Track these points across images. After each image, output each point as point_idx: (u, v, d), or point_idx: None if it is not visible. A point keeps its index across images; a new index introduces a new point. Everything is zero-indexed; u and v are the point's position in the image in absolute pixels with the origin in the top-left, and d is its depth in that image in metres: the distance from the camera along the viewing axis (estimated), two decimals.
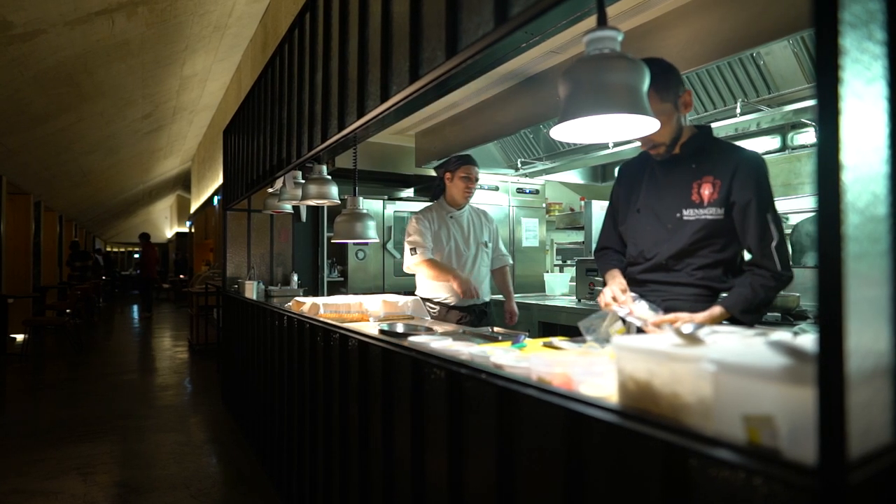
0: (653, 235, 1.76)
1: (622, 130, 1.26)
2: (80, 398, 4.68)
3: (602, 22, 1.12)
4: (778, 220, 1.60)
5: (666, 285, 1.75)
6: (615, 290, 1.72)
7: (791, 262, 1.62)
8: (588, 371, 0.95)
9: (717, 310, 1.61)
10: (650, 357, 0.78)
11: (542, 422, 0.89)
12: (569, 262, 5.69)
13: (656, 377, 0.77)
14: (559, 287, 4.36)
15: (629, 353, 0.81)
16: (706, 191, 1.65)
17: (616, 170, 2.03)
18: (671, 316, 1.59)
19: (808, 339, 0.67)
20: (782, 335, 0.84)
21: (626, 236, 1.88)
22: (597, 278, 3.49)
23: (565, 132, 1.23)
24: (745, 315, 1.59)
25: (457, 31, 1.22)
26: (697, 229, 1.66)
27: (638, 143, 3.60)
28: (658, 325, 1.55)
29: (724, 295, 1.67)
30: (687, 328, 0.89)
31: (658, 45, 2.51)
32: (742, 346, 0.79)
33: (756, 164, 1.63)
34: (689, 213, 1.68)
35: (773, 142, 3.42)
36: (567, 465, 0.84)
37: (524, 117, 3.55)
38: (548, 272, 5.73)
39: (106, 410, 4.26)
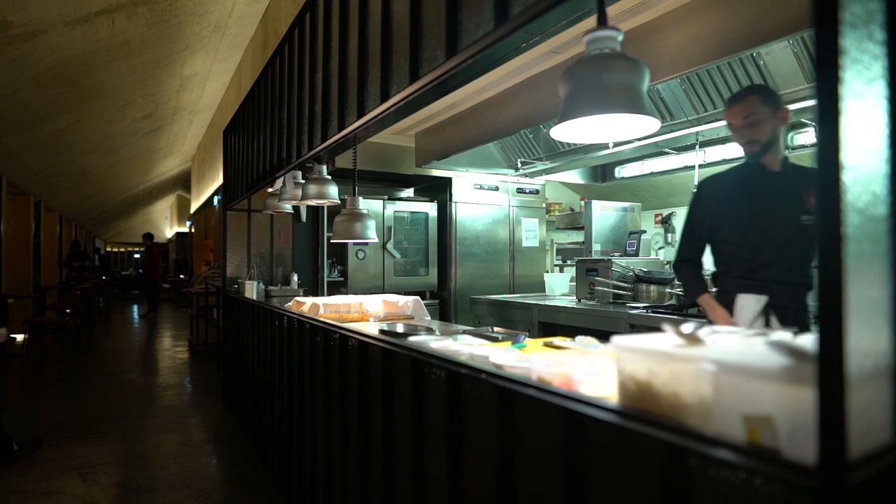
0: (779, 239, 1.96)
1: (622, 130, 1.26)
2: (80, 398, 4.68)
3: (602, 22, 1.12)
4: None
5: (793, 285, 1.96)
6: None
7: None
8: (588, 371, 0.95)
9: None
10: (650, 357, 0.78)
11: (542, 422, 0.89)
12: (569, 262, 5.69)
13: (656, 377, 0.77)
14: (559, 287, 4.36)
15: (629, 353, 0.81)
16: (814, 200, 1.92)
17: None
18: None
19: (808, 339, 0.67)
20: (782, 335, 0.84)
21: (739, 242, 2.04)
22: (597, 278, 3.49)
23: (565, 132, 1.23)
24: None
25: (457, 31, 1.22)
26: (815, 233, 1.91)
27: (637, 144, 3.62)
28: None
29: None
30: (687, 328, 0.89)
31: (658, 45, 2.51)
32: (742, 346, 0.79)
33: None
34: (807, 218, 1.90)
35: None
36: (567, 464, 0.84)
37: (524, 117, 3.55)
38: (548, 272, 5.73)
39: (106, 410, 4.26)
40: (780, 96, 2.01)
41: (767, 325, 1.96)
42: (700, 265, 2.17)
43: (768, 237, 1.99)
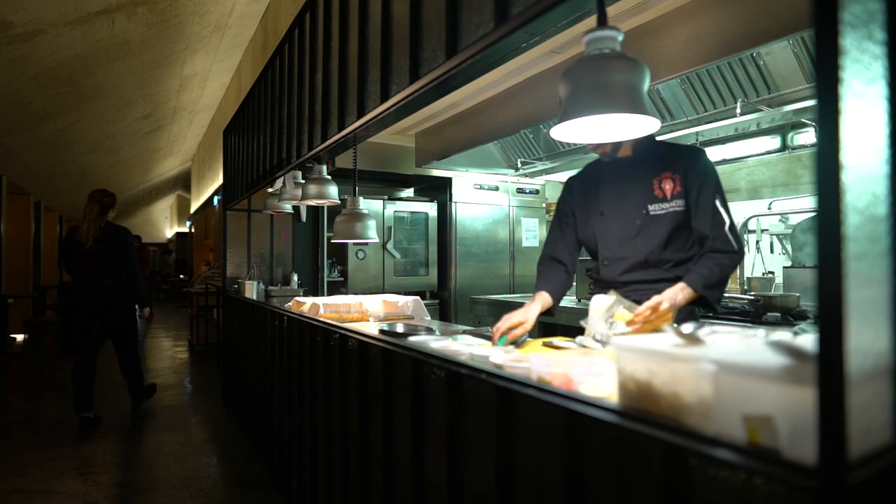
0: (621, 234, 1.79)
1: (622, 130, 1.26)
2: None
3: (602, 22, 1.12)
4: (727, 206, 1.69)
5: (647, 283, 1.77)
6: (511, 320, 1.67)
7: (743, 241, 1.67)
8: (588, 371, 0.95)
9: (685, 288, 1.61)
10: (650, 357, 0.78)
11: (542, 422, 0.89)
12: None
13: (657, 377, 0.77)
14: None
15: (630, 354, 0.81)
16: (667, 185, 1.71)
17: (564, 183, 2.03)
18: (644, 307, 1.54)
19: (808, 340, 0.67)
20: (783, 335, 0.84)
21: (590, 242, 1.90)
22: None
23: (565, 132, 1.23)
24: (707, 290, 1.61)
25: (457, 31, 1.22)
26: (668, 222, 1.71)
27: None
28: (637, 321, 1.53)
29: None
30: (687, 328, 0.89)
31: (658, 45, 2.51)
32: (742, 345, 0.79)
33: (703, 158, 1.72)
34: (654, 208, 1.73)
35: (773, 142, 3.42)
36: (567, 464, 0.84)
37: (524, 117, 3.55)
38: None
39: (106, 410, 4.26)
40: None
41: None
42: (565, 264, 1.92)
43: (609, 234, 1.80)
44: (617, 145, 1.75)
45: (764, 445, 0.62)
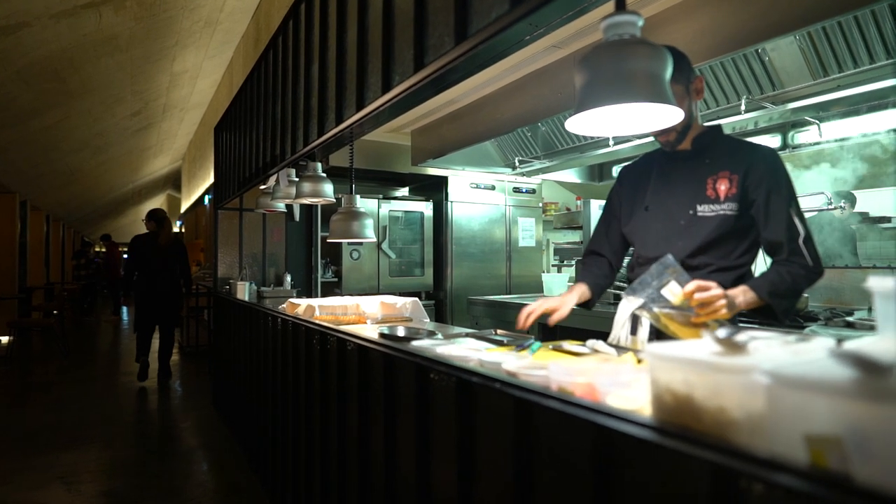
0: (663, 233, 1.66)
1: (642, 121, 1.19)
2: (67, 402, 4.55)
3: (620, 6, 1.05)
4: (801, 214, 1.51)
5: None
6: (547, 305, 1.65)
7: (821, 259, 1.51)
8: (614, 381, 0.87)
9: (748, 291, 1.46)
10: (689, 367, 0.71)
11: (566, 438, 0.81)
12: (566, 262, 5.62)
13: (697, 389, 0.69)
14: (557, 287, 4.29)
15: (665, 363, 0.74)
16: (722, 186, 1.56)
17: (614, 170, 1.98)
18: (705, 283, 1.41)
19: (873, 347, 0.60)
20: (828, 342, 0.76)
21: (632, 237, 1.79)
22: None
23: (582, 123, 1.16)
24: (774, 298, 1.45)
25: (467, 13, 1.14)
26: (715, 226, 1.57)
27: (636, 143, 3.55)
28: (692, 297, 1.40)
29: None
30: (721, 333, 0.81)
31: (664, 39, 2.45)
32: (789, 353, 0.72)
33: (771, 159, 1.56)
34: (703, 209, 1.59)
35: (773, 140, 3.38)
36: (596, 486, 0.76)
37: (522, 115, 3.48)
38: (545, 272, 5.67)
39: (93, 415, 4.14)
40: (689, 64, 1.57)
41: (633, 333, 1.63)
42: (609, 261, 1.85)
43: (650, 232, 1.69)
44: (682, 134, 1.60)
45: (831, 469, 0.55)
